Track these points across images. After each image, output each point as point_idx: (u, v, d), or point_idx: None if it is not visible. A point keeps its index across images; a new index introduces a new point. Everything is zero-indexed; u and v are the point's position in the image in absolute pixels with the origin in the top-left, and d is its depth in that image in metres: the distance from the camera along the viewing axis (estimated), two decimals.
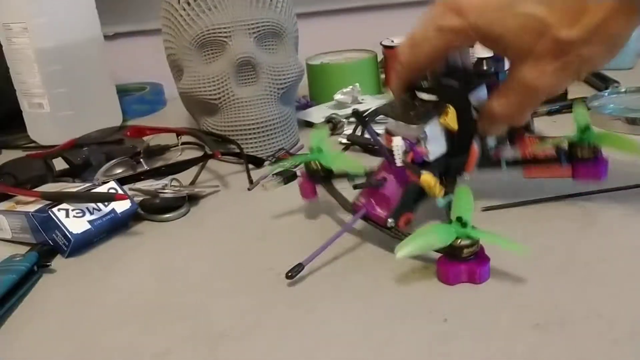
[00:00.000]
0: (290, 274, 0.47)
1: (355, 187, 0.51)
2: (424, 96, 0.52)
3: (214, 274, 0.51)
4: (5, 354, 0.44)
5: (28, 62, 0.87)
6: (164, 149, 0.81)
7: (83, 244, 0.57)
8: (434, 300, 0.44)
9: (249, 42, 0.73)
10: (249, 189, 0.67)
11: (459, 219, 0.44)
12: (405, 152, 0.50)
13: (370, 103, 0.89)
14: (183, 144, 0.81)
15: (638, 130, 0.70)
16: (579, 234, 0.50)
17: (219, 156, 0.68)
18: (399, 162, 0.49)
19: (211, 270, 0.52)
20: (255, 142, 0.74)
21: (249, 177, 0.69)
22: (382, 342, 0.40)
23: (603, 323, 0.39)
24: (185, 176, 0.70)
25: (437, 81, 0.52)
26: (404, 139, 0.49)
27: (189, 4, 0.75)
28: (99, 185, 0.60)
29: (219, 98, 0.74)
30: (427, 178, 0.48)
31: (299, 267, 0.47)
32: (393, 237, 0.48)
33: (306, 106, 0.94)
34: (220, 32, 0.73)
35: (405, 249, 0.44)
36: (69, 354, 0.43)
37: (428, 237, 0.44)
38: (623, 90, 0.82)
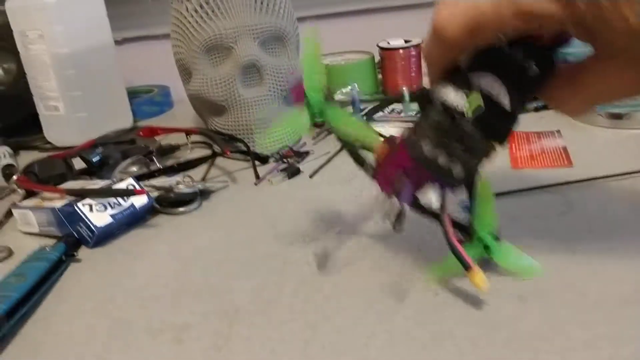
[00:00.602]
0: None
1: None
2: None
3: (227, 259, 0.56)
4: (44, 331, 0.49)
5: (44, 67, 0.92)
6: (174, 148, 0.86)
7: (105, 235, 0.62)
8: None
9: (254, 46, 0.78)
10: (255, 184, 0.72)
11: (480, 240, 0.45)
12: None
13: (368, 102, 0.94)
14: (192, 142, 0.86)
15: (619, 124, 0.75)
16: (559, 218, 0.55)
17: (228, 154, 0.73)
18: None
19: (224, 256, 0.57)
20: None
21: (256, 172, 0.74)
22: (384, 312, 0.45)
23: (575, 294, 0.44)
24: (196, 173, 0.75)
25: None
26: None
27: (196, 11, 0.80)
28: (118, 182, 0.65)
29: (226, 99, 0.79)
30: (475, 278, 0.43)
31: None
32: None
33: None
34: (226, 37, 0.78)
35: (435, 275, 0.47)
36: (100, 330, 0.48)
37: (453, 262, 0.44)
38: None
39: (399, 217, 0.41)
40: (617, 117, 0.75)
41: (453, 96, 0.40)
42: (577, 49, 0.40)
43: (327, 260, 0.50)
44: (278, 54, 0.82)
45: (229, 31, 0.78)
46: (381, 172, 0.44)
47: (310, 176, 0.72)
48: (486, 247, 0.45)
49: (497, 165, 0.66)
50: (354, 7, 1.24)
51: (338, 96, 0.94)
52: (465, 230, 0.47)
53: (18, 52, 0.94)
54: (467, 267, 0.41)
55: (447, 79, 0.41)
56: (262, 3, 0.80)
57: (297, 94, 0.45)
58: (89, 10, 0.94)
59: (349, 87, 0.94)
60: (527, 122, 0.80)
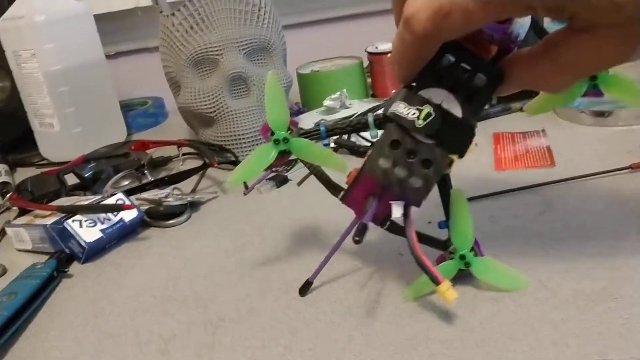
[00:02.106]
0: (302, 293, 0.50)
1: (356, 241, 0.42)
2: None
3: (214, 269, 0.57)
4: (35, 347, 0.50)
5: (37, 85, 0.94)
6: (166, 160, 0.87)
7: (96, 250, 0.63)
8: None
9: (240, 58, 0.80)
10: (244, 194, 0.73)
11: (462, 257, 0.46)
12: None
13: (357, 107, 0.95)
14: (184, 154, 0.87)
15: (603, 122, 0.75)
16: (537, 218, 0.56)
17: (216, 165, 0.74)
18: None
19: (212, 266, 0.58)
20: (249, 150, 0.81)
21: (245, 183, 0.75)
22: (362, 317, 0.46)
23: (547, 293, 0.45)
24: (187, 185, 0.76)
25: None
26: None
27: (182, 25, 0.81)
28: (108, 197, 0.67)
29: (215, 111, 0.81)
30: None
31: (308, 284, 0.51)
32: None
33: (298, 112, 1.01)
34: (212, 50, 0.80)
35: (411, 292, 0.47)
36: (89, 344, 0.49)
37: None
38: None
39: (361, 231, 0.42)
40: (601, 114, 0.76)
41: (405, 111, 0.41)
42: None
43: (309, 288, 0.51)
44: (264, 65, 0.84)
45: (214, 44, 0.80)
46: (350, 195, 0.46)
47: (298, 184, 0.74)
48: (467, 264, 0.46)
49: (481, 168, 0.68)
50: (342, 13, 1.25)
51: (327, 102, 0.95)
52: (443, 246, 0.48)
53: (11, 71, 0.96)
54: (435, 281, 0.42)
55: (399, 97, 0.42)
56: (246, 15, 0.81)
57: (263, 132, 0.48)
58: (79, 27, 0.96)
59: (338, 93, 0.95)
60: (513, 122, 0.82)
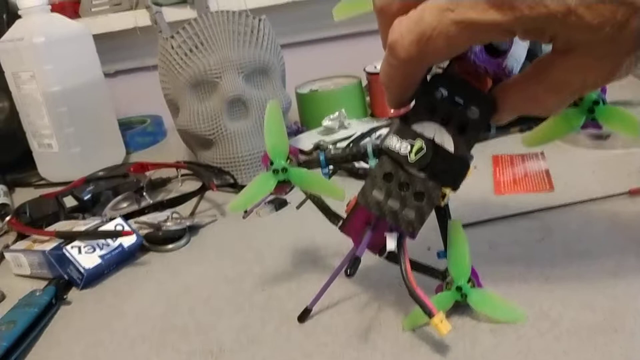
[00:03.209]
0: (301, 320, 0.50)
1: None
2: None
3: (214, 297, 0.57)
4: None
5: (37, 105, 0.93)
6: (165, 181, 0.87)
7: (95, 276, 0.63)
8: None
9: (239, 81, 0.80)
10: (244, 217, 0.73)
11: (459, 289, 0.46)
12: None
13: (356, 127, 0.95)
14: (182, 175, 0.87)
15: (601, 145, 0.76)
16: (536, 245, 0.56)
17: (215, 189, 0.74)
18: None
19: (211, 293, 0.58)
20: (248, 172, 0.81)
21: None
22: (363, 349, 0.46)
23: (548, 322, 0.45)
24: (186, 207, 0.76)
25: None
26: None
27: (181, 48, 0.81)
28: (107, 221, 0.67)
29: (213, 133, 0.81)
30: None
31: (307, 311, 0.51)
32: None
33: (297, 132, 1.01)
34: (211, 73, 0.80)
35: (409, 322, 0.47)
36: None
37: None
38: None
39: (354, 264, 0.42)
40: (600, 137, 0.76)
41: (397, 145, 0.42)
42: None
43: (308, 315, 0.51)
44: (263, 87, 0.84)
45: (213, 67, 0.80)
46: (349, 224, 0.46)
47: (297, 207, 0.73)
48: (463, 295, 0.46)
49: (481, 191, 0.68)
50: (340, 32, 1.26)
51: (326, 122, 0.95)
52: (442, 276, 0.48)
53: (10, 92, 0.96)
54: (428, 313, 0.42)
55: (393, 129, 0.42)
56: (245, 37, 0.82)
57: (264, 161, 0.49)
58: (78, 48, 0.96)
59: (337, 112, 0.95)
60: (512, 143, 0.82)
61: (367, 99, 1.05)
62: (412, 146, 0.41)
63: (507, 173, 0.73)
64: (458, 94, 0.41)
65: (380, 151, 0.43)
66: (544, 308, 0.46)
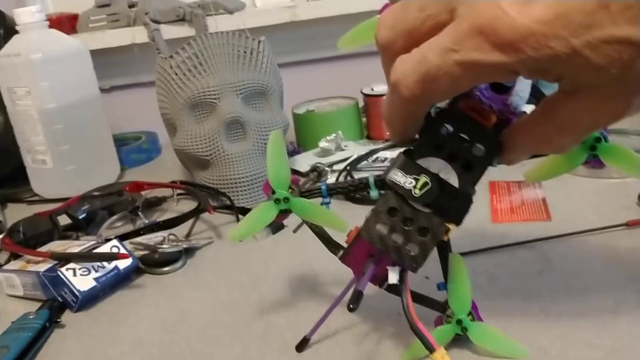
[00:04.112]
0: (299, 349, 0.50)
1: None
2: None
3: (211, 323, 0.57)
4: None
5: (32, 122, 0.93)
6: (160, 200, 0.87)
7: (90, 299, 0.62)
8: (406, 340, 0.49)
9: (237, 102, 0.80)
10: (240, 240, 0.72)
11: (459, 322, 0.46)
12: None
13: (353, 149, 0.95)
14: (178, 194, 0.87)
15: (598, 173, 0.76)
16: (535, 277, 0.56)
17: (212, 212, 0.74)
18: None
19: (208, 320, 0.57)
20: (245, 195, 0.80)
21: None
22: None
23: None
24: (181, 228, 0.76)
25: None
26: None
27: (180, 68, 0.81)
28: (102, 243, 0.66)
29: (211, 154, 0.81)
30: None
31: (305, 341, 0.51)
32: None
33: (294, 152, 1.00)
34: (210, 94, 0.80)
35: (408, 355, 0.47)
36: None
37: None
38: None
39: (357, 298, 0.42)
40: (597, 166, 0.77)
41: (402, 179, 0.41)
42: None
43: (306, 345, 0.51)
44: (261, 109, 0.84)
45: (212, 88, 0.80)
46: (349, 254, 0.46)
47: (294, 231, 0.73)
48: (464, 329, 0.46)
49: (478, 220, 0.68)
50: (338, 53, 1.26)
51: (323, 144, 0.95)
52: (442, 308, 0.48)
53: (5, 106, 0.95)
54: (429, 348, 0.41)
55: (398, 164, 0.42)
56: (244, 59, 0.82)
57: (265, 189, 0.48)
58: (75, 65, 0.95)
59: (334, 134, 0.95)
60: (509, 170, 0.82)
61: (364, 120, 1.05)
62: (417, 181, 0.41)
63: (505, 201, 0.73)
64: (463, 131, 0.41)
65: (384, 185, 0.43)
66: (544, 345, 0.46)
